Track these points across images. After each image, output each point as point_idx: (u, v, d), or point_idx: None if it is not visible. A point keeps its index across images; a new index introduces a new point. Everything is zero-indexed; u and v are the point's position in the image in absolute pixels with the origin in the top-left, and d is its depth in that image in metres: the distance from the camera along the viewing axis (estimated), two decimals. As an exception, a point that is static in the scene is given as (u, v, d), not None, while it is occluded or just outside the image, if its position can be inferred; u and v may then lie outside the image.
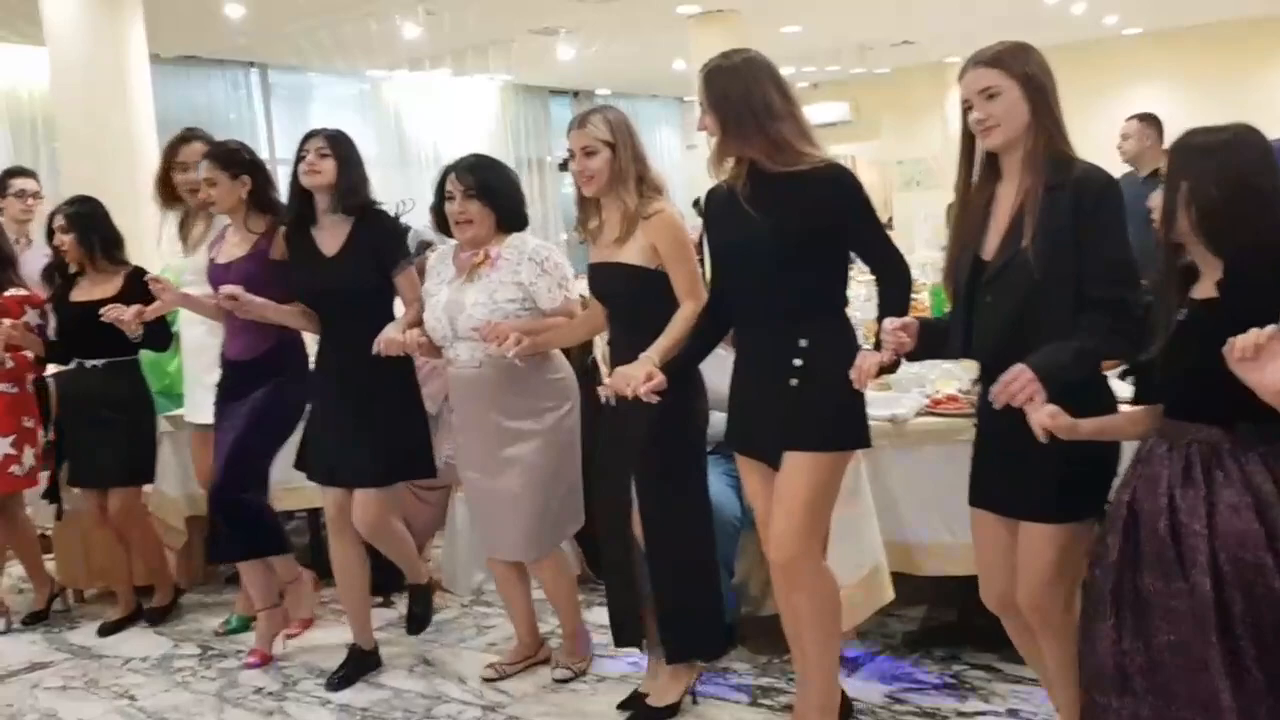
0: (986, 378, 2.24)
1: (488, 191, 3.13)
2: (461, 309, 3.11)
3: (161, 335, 3.91)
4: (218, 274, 3.49)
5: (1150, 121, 5.33)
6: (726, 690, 3.14)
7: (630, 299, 2.91)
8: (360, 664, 3.46)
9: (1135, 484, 2.07)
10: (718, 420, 3.47)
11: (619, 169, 2.85)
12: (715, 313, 2.76)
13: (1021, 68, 2.22)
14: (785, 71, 2.61)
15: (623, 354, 2.93)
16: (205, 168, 3.47)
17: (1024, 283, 2.18)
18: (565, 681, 3.27)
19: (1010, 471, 2.26)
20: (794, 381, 2.53)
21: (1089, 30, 12.04)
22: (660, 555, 2.93)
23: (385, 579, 4.19)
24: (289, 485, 3.92)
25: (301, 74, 11.84)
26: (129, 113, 5.82)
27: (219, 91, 11.06)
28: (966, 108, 2.26)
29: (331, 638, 3.75)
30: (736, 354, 2.71)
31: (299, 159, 3.26)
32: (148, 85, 5.97)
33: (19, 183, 4.84)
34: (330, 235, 3.30)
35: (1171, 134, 2.13)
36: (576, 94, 14.62)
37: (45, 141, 9.54)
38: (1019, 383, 2.02)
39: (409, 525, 3.81)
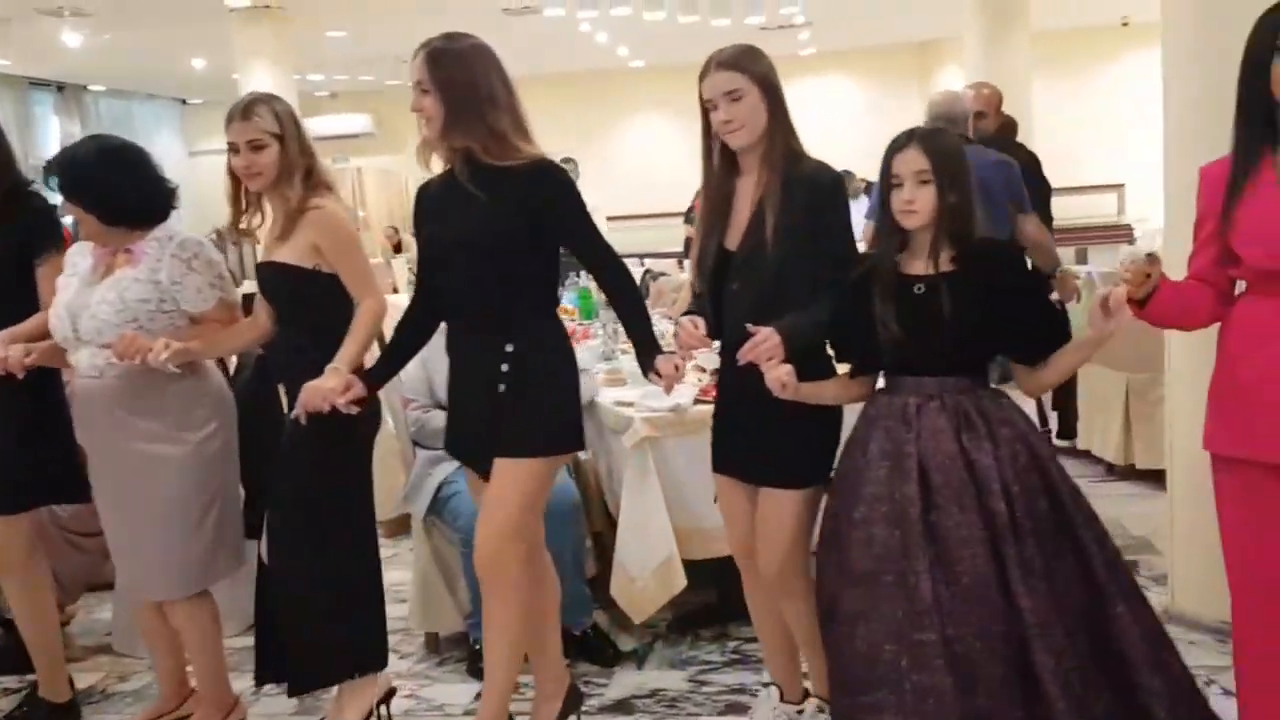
0: (731, 356, 2.38)
1: (80, 189, 2.71)
2: (86, 308, 2.69)
3: None
4: None
5: None
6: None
7: (288, 301, 2.70)
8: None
9: (916, 437, 2.25)
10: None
11: (287, 164, 2.65)
12: (421, 314, 2.65)
13: (758, 70, 2.38)
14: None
15: (282, 359, 2.74)
16: None
17: (766, 270, 2.37)
18: None
19: (753, 440, 2.46)
20: (502, 388, 2.49)
21: (607, 60, 13.08)
22: (288, 576, 2.69)
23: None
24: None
25: None
26: None
27: None
28: (710, 108, 2.39)
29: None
30: (450, 358, 2.62)
31: None
32: None
33: None
34: None
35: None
36: (62, 88, 12.78)
37: None
38: (769, 343, 2.24)
39: (55, 576, 3.25)
